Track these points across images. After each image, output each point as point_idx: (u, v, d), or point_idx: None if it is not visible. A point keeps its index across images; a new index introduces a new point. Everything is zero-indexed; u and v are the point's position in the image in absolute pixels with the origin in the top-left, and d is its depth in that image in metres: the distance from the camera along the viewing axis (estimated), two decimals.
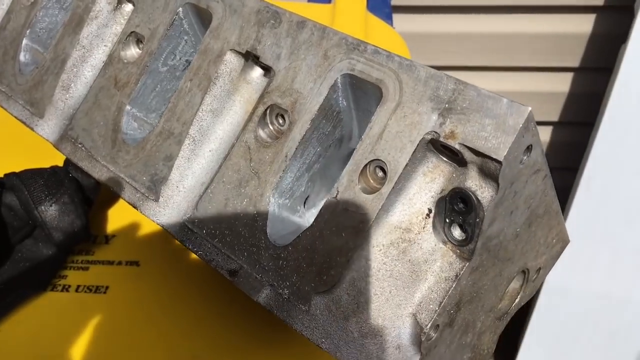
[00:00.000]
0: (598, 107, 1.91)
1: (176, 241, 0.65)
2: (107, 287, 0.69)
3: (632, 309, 1.81)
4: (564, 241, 0.59)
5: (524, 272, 0.56)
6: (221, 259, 0.49)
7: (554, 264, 0.62)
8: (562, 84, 2.00)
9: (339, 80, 0.47)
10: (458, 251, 0.43)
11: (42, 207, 0.69)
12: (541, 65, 1.96)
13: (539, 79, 2.01)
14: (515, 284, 0.56)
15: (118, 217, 0.79)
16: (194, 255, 0.67)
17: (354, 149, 0.57)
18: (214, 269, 0.49)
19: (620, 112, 1.63)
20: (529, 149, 0.41)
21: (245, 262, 0.48)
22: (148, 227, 0.76)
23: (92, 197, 0.74)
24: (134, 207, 0.55)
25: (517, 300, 0.59)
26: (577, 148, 1.94)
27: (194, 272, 0.71)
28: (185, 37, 0.59)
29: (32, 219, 0.69)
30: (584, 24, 1.83)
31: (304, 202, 0.55)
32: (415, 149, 0.42)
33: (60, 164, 0.75)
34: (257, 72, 0.53)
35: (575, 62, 1.92)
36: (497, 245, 0.45)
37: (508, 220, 0.45)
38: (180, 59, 0.60)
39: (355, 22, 1.21)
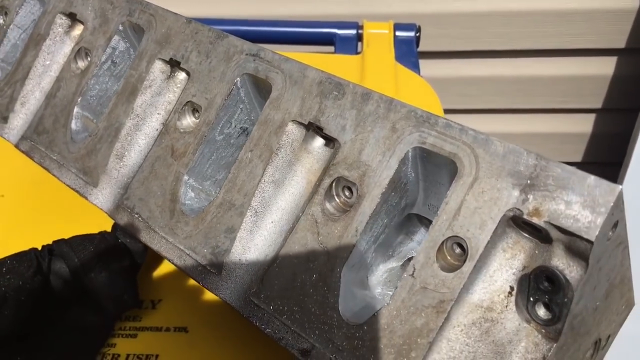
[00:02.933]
0: (621, 146, 1.91)
1: (224, 306, 0.64)
2: (157, 356, 0.68)
3: None
4: (630, 305, 0.58)
5: (596, 342, 0.54)
6: (291, 337, 0.48)
7: (620, 329, 0.60)
8: (584, 125, 2.00)
9: (409, 153, 0.46)
10: (543, 331, 0.42)
11: (92, 275, 0.68)
12: (562, 107, 1.96)
13: (560, 121, 2.01)
14: (587, 354, 0.54)
15: (163, 280, 0.78)
16: (243, 321, 0.66)
17: (413, 214, 0.56)
18: (284, 347, 0.48)
19: None
20: (615, 224, 0.40)
21: (317, 341, 0.47)
22: (194, 291, 0.75)
23: (139, 262, 0.73)
24: (196, 280, 0.54)
25: None
26: None
27: (244, 339, 0.69)
28: (241, 106, 0.59)
29: (82, 286, 0.69)
30: (606, 66, 1.83)
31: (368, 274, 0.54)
32: (496, 226, 0.42)
33: (106, 228, 0.74)
34: (319, 142, 0.53)
35: (597, 104, 1.92)
36: (579, 322, 0.44)
37: (591, 295, 0.43)
38: (235, 126, 0.60)
39: (385, 73, 1.22)
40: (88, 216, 0.76)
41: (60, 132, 0.69)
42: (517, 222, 0.42)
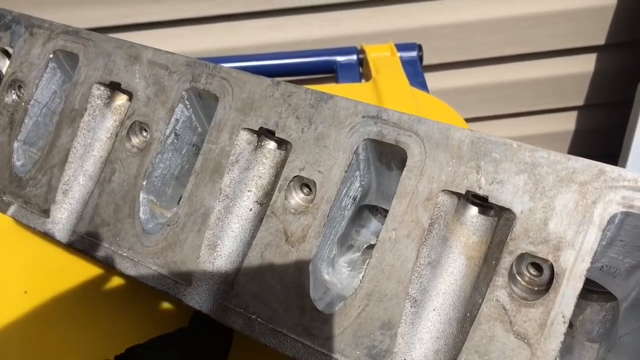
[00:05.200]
0: (604, 140, 1.94)
1: None
2: None
3: None
4: None
5: None
6: None
7: None
8: (567, 123, 2.02)
9: (617, 217, 0.40)
10: None
11: None
12: (545, 107, 1.97)
13: (543, 122, 2.02)
14: None
15: None
16: None
17: None
18: None
19: None
20: None
21: None
22: None
23: (228, 352, 0.64)
24: None
25: None
26: None
27: None
28: (357, 173, 0.52)
29: None
30: (586, 63, 1.85)
31: None
32: None
33: (151, 318, 0.65)
34: (472, 210, 0.46)
35: (579, 101, 1.94)
36: None
37: None
38: (349, 197, 0.53)
39: (403, 99, 1.16)
40: (132, 309, 0.67)
41: (127, 224, 0.59)
42: None
